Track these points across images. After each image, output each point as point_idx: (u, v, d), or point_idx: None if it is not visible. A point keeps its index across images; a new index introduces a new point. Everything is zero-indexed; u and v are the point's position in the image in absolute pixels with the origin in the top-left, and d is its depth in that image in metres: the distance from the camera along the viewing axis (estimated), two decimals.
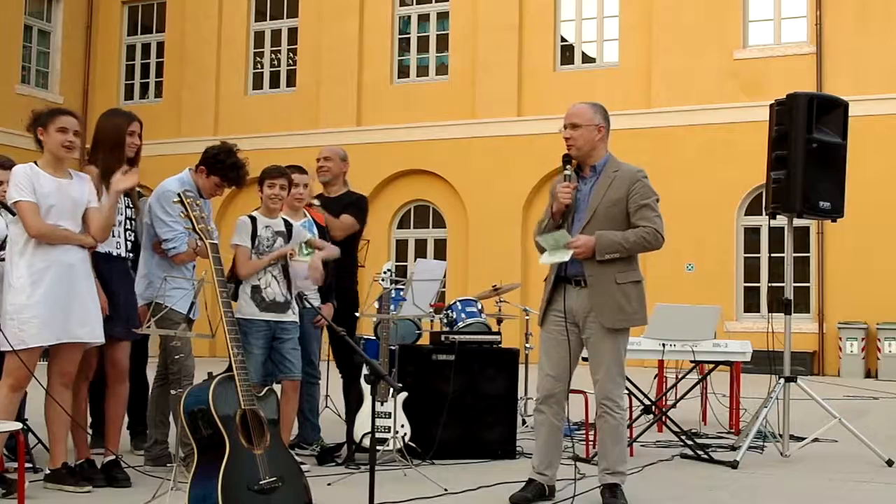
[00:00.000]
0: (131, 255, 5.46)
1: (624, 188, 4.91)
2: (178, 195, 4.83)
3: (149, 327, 5.07)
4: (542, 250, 4.99)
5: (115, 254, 5.29)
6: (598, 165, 5.00)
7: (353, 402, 6.51)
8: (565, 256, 4.82)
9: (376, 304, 6.26)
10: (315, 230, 6.19)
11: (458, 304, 7.04)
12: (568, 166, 4.96)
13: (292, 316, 5.76)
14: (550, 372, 4.96)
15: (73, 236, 4.91)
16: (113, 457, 5.31)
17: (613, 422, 4.90)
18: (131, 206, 5.44)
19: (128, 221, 5.39)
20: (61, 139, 4.95)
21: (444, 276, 10.13)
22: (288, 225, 5.85)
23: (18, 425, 4.53)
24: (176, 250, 5.61)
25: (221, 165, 5.77)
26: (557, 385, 4.97)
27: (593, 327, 4.88)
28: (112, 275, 5.26)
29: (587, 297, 4.87)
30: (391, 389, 6.05)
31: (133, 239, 5.46)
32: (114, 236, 5.26)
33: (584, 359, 5.08)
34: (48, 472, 5.00)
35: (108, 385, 5.41)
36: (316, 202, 6.62)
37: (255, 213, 5.79)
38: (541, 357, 5.03)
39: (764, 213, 6.88)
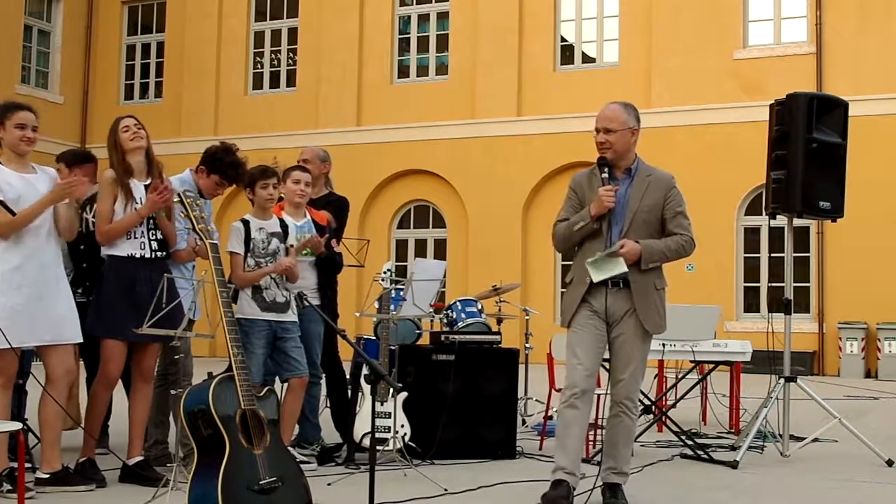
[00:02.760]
0: (162, 253, 5.35)
1: (660, 194, 4.94)
2: (178, 195, 4.83)
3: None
4: (561, 249, 5.08)
5: (138, 255, 5.23)
6: (632, 168, 4.98)
7: (337, 400, 6.53)
8: (619, 268, 4.76)
9: (376, 304, 6.26)
10: (314, 230, 6.19)
11: (458, 304, 7.04)
12: (606, 169, 4.90)
13: (292, 316, 5.78)
14: (587, 366, 4.84)
15: (37, 209, 4.84)
16: (141, 457, 5.33)
17: (629, 422, 4.92)
18: None
19: (150, 221, 5.30)
20: (19, 135, 4.96)
21: (444, 276, 10.14)
22: (283, 225, 5.86)
23: (18, 425, 4.53)
24: (175, 247, 5.60)
25: (220, 164, 5.77)
26: (593, 381, 4.91)
27: (628, 328, 4.86)
28: (136, 277, 5.20)
29: (627, 298, 4.85)
30: (391, 389, 6.05)
31: (160, 237, 5.35)
32: (136, 237, 5.24)
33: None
34: (46, 476, 4.95)
35: (132, 386, 5.41)
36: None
37: (247, 217, 5.79)
38: (575, 352, 4.86)
39: (764, 213, 6.88)
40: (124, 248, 5.21)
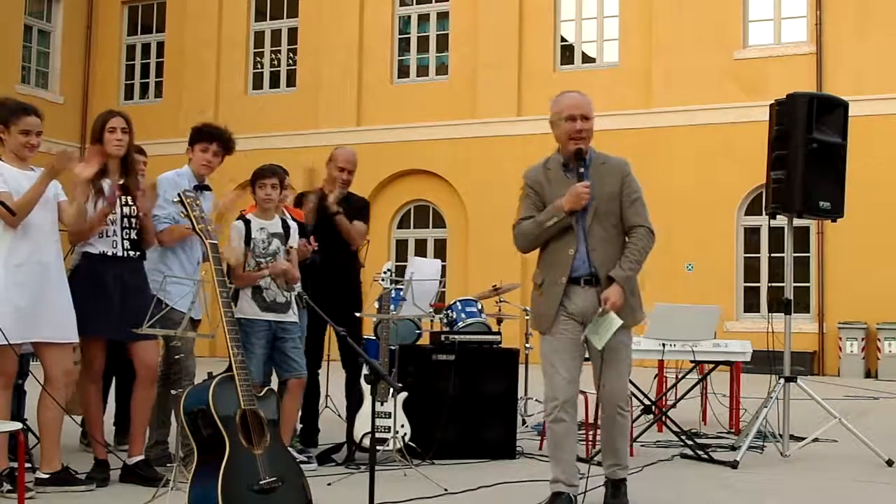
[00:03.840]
0: (134, 253, 5.33)
1: (617, 181, 4.78)
2: (178, 195, 4.82)
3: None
4: (527, 249, 4.96)
5: (110, 253, 5.23)
6: (588, 158, 4.81)
7: (353, 400, 6.50)
8: (615, 323, 4.61)
9: (376, 304, 6.26)
10: (294, 233, 6.19)
11: (458, 304, 7.04)
12: (584, 163, 4.73)
13: (293, 316, 5.78)
14: (567, 375, 4.71)
15: (39, 187, 4.87)
16: (141, 457, 5.33)
17: (623, 420, 4.86)
18: (129, 203, 5.32)
19: (125, 220, 5.29)
20: (24, 141, 4.97)
21: (444, 276, 10.13)
22: (285, 225, 5.86)
23: (18, 425, 4.53)
24: (157, 225, 5.51)
25: (197, 132, 5.74)
26: (575, 388, 4.76)
27: None
28: (108, 275, 5.20)
29: (598, 296, 4.68)
30: (391, 389, 6.05)
31: (134, 237, 5.33)
32: (108, 236, 5.23)
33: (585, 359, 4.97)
34: (46, 476, 4.95)
35: (134, 385, 5.40)
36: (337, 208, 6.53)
37: (248, 216, 5.79)
38: (553, 361, 4.73)
39: (764, 213, 6.88)
40: (97, 246, 5.22)
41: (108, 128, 5.29)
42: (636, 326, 5.03)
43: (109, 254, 5.24)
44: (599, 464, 5.05)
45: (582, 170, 4.74)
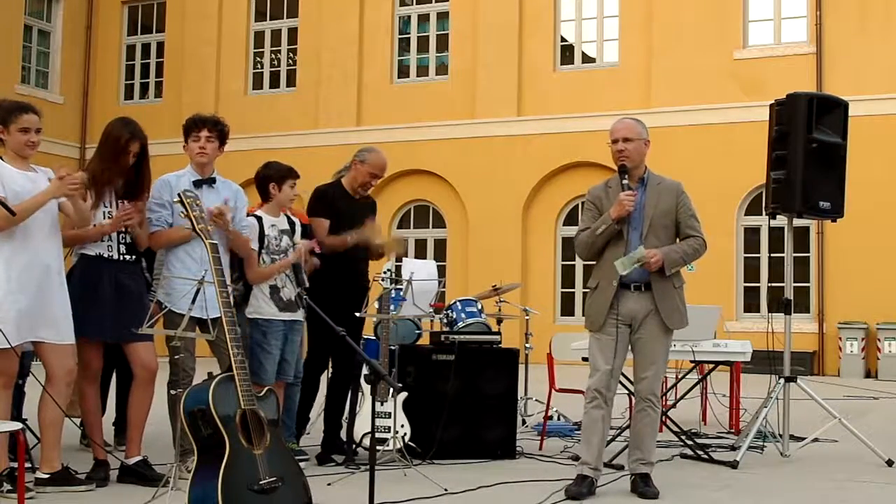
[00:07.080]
0: (130, 256, 5.33)
1: (672, 200, 5.36)
2: (178, 195, 4.82)
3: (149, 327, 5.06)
4: (585, 257, 5.40)
5: (105, 255, 5.23)
6: (645, 178, 5.37)
7: (334, 400, 6.49)
8: (636, 266, 5.12)
9: (376, 304, 6.26)
10: (298, 229, 6.21)
11: (458, 304, 7.04)
12: (626, 176, 5.27)
13: (301, 314, 5.81)
14: (609, 368, 5.17)
15: (39, 199, 4.84)
16: (141, 457, 5.31)
17: (654, 415, 5.31)
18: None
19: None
20: (24, 139, 4.96)
21: (444, 276, 10.14)
22: (290, 221, 5.92)
23: (18, 425, 4.53)
24: (149, 228, 5.47)
25: (185, 124, 5.66)
26: (615, 382, 5.25)
27: (650, 328, 5.23)
28: (103, 277, 5.20)
29: (649, 300, 5.22)
30: (391, 389, 6.05)
31: (131, 241, 5.32)
32: (104, 239, 5.23)
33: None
34: (46, 476, 4.95)
35: (133, 386, 5.39)
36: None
37: (260, 213, 5.81)
38: (598, 357, 5.21)
39: (764, 213, 6.89)
40: (93, 248, 5.23)
41: (132, 153, 5.28)
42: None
43: (105, 256, 5.24)
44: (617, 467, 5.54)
45: (625, 181, 5.24)
